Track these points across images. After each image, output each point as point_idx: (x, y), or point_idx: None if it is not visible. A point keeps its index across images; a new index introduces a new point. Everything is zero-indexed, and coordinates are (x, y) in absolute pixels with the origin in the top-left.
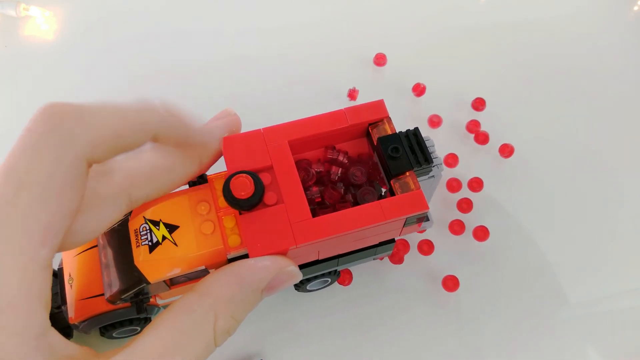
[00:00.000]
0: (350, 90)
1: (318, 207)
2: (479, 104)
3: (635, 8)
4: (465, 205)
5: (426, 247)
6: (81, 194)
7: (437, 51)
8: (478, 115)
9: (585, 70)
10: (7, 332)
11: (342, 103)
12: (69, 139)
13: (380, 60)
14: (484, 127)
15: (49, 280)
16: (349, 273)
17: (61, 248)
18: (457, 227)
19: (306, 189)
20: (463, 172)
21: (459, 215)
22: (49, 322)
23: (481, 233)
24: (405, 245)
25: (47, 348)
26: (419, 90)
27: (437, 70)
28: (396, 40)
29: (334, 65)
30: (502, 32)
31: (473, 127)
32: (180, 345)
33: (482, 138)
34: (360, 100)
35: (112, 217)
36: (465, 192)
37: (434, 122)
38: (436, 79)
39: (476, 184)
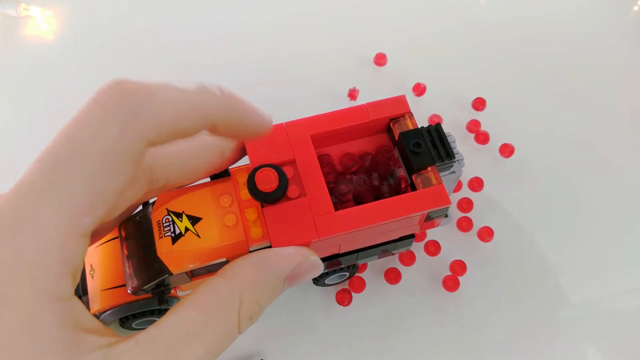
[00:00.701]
0: (350, 90)
1: (339, 202)
2: (479, 104)
3: (635, 8)
4: (465, 205)
5: (432, 248)
6: (134, 173)
7: (437, 51)
8: (478, 115)
9: (586, 71)
10: (35, 288)
11: (342, 103)
12: (135, 118)
13: (380, 60)
14: (484, 127)
15: (85, 249)
16: (349, 293)
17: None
18: (465, 225)
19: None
20: (463, 172)
21: (459, 215)
22: (73, 289)
23: (485, 234)
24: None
25: (69, 312)
26: (419, 90)
27: (437, 70)
28: (396, 40)
29: (334, 65)
30: (502, 32)
31: (473, 127)
32: (206, 326)
33: (482, 138)
34: (361, 100)
35: (133, 194)
36: (465, 192)
37: (434, 121)
38: (436, 79)
39: (476, 184)
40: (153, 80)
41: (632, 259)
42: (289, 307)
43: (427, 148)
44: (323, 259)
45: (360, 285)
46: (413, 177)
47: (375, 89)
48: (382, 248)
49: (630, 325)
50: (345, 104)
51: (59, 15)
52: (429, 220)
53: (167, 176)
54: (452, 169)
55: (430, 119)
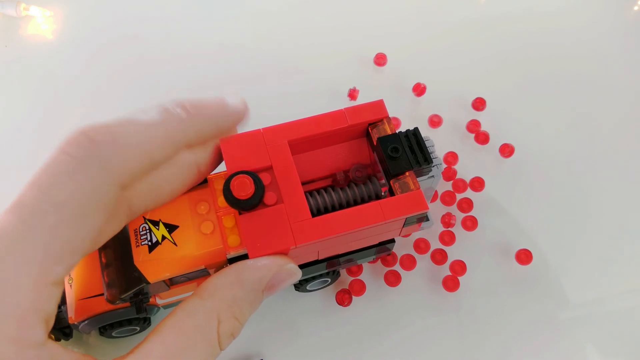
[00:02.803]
0: (350, 90)
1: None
2: (479, 104)
3: (635, 8)
4: (465, 205)
5: (423, 245)
6: (108, 216)
7: (437, 51)
8: (478, 115)
9: (586, 71)
10: (6, 339)
11: (342, 103)
12: (105, 167)
13: (380, 60)
14: (484, 127)
15: (58, 296)
16: (349, 293)
17: None
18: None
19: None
20: (463, 172)
21: (459, 215)
22: (46, 335)
23: (470, 223)
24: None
25: (47, 357)
26: (419, 90)
27: (438, 70)
28: (396, 40)
29: (334, 65)
30: (502, 33)
31: (473, 127)
32: (185, 349)
33: (482, 138)
34: (361, 100)
35: (113, 229)
36: (466, 192)
37: (434, 122)
38: (436, 79)
39: (477, 184)
40: (116, 120)
41: (632, 258)
42: (289, 307)
43: (405, 153)
44: (303, 266)
45: (361, 289)
46: (391, 182)
47: (375, 89)
48: (363, 253)
49: (630, 325)
50: (345, 103)
51: (59, 15)
52: (409, 225)
53: (146, 205)
54: (430, 174)
55: (430, 119)
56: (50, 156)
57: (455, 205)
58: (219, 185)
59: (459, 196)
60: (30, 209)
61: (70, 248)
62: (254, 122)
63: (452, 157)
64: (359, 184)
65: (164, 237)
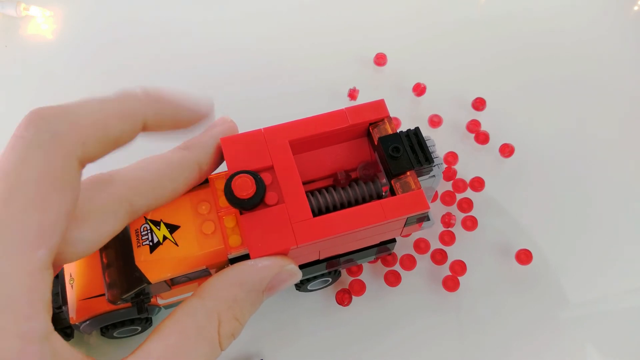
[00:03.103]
0: (350, 90)
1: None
2: (479, 104)
3: (635, 8)
4: (465, 205)
5: (423, 245)
6: (75, 194)
7: (437, 51)
8: (478, 115)
9: (587, 71)
10: (8, 335)
11: (342, 103)
12: (55, 138)
13: (380, 60)
14: (484, 127)
15: (49, 282)
16: (349, 293)
17: (63, 260)
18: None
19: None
20: (463, 172)
21: (459, 215)
22: (51, 326)
23: (470, 223)
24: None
25: (50, 352)
26: (419, 90)
27: (438, 70)
28: (396, 40)
29: (334, 65)
30: (503, 33)
31: (473, 126)
32: (186, 350)
33: (482, 138)
34: (361, 100)
35: (113, 227)
36: (466, 192)
37: (434, 122)
38: (436, 79)
39: (477, 184)
40: (71, 101)
41: (632, 258)
42: (289, 307)
43: (406, 153)
44: (304, 265)
45: (361, 289)
46: (392, 182)
47: (375, 89)
48: (363, 253)
49: (630, 325)
50: (345, 103)
51: (59, 15)
52: (410, 224)
53: (148, 204)
54: (431, 173)
55: (430, 119)
56: (7, 144)
57: (455, 205)
58: (220, 185)
59: (458, 196)
60: None
61: (44, 229)
62: (254, 122)
63: (452, 157)
64: (367, 182)
65: (165, 237)
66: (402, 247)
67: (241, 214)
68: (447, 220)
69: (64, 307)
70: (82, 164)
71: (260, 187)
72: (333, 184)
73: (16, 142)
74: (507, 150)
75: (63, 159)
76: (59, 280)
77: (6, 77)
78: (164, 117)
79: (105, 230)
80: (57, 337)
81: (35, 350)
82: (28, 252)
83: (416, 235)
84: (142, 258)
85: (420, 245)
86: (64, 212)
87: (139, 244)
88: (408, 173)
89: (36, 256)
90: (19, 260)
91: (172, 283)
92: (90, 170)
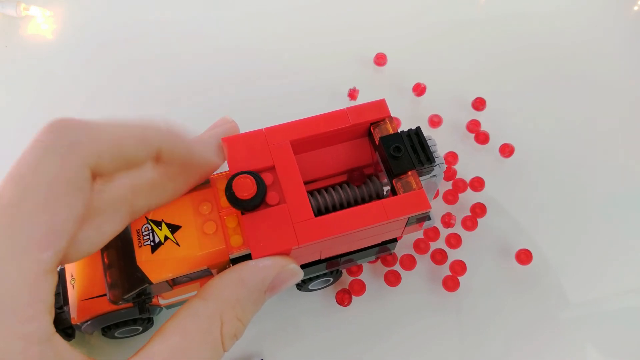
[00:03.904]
0: (350, 90)
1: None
2: (479, 104)
3: (635, 8)
4: (478, 210)
5: (423, 245)
6: (85, 201)
7: (437, 51)
8: (478, 115)
9: (587, 71)
10: (10, 336)
11: (343, 103)
12: (73, 146)
13: (380, 60)
14: (484, 127)
15: (52, 284)
16: (349, 293)
17: (65, 260)
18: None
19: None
20: (463, 172)
21: (460, 215)
22: (53, 327)
23: (470, 223)
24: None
25: (52, 354)
26: (419, 90)
27: (438, 70)
28: (396, 40)
29: (334, 65)
30: (503, 33)
31: (473, 126)
32: (189, 351)
33: (482, 138)
34: (361, 100)
35: (114, 227)
36: (466, 192)
37: (434, 122)
38: (436, 79)
39: (477, 184)
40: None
41: (632, 259)
42: (289, 307)
43: (407, 152)
44: (305, 265)
45: (361, 289)
46: (393, 181)
47: (375, 89)
48: (365, 252)
49: (630, 325)
50: (346, 103)
51: (59, 15)
52: (410, 224)
53: (149, 204)
54: (433, 173)
55: (430, 119)
56: (27, 146)
57: (455, 205)
58: (222, 185)
59: (471, 200)
60: (8, 200)
61: (53, 231)
62: (255, 122)
63: (452, 157)
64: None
65: (166, 238)
66: (402, 247)
67: (242, 214)
68: (447, 220)
69: (65, 307)
70: (94, 176)
71: (261, 188)
72: (347, 180)
73: (35, 145)
74: (507, 150)
75: (77, 166)
76: (60, 280)
77: (6, 77)
78: (178, 152)
79: (107, 230)
80: (59, 339)
81: (36, 351)
82: (34, 253)
83: (416, 235)
84: (144, 258)
85: (420, 245)
86: (73, 216)
87: (140, 244)
88: (409, 173)
89: (42, 258)
90: (24, 261)
91: (174, 283)
92: None
